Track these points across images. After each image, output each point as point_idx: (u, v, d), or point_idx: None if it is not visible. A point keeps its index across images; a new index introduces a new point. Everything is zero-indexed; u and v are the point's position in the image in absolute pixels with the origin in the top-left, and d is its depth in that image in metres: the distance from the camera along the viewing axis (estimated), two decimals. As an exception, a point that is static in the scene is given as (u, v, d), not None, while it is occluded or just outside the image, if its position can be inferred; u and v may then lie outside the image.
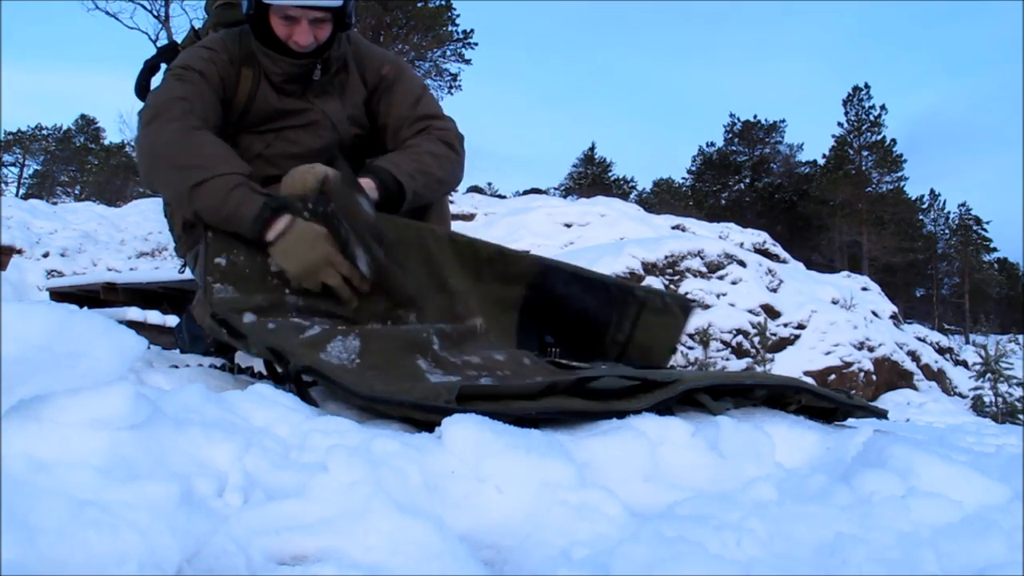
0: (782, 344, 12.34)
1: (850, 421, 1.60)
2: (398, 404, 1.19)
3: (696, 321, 11.87)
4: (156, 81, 2.08)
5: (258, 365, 1.75)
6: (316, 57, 1.84)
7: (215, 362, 1.92)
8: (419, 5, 22.24)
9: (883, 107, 36.79)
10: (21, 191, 37.98)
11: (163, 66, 2.09)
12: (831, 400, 1.47)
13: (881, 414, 1.64)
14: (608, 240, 14.59)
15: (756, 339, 11.47)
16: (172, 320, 3.61)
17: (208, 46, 1.85)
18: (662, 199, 39.40)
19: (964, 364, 16.62)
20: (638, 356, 1.86)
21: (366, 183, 1.69)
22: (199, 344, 2.18)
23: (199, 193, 1.56)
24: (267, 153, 1.87)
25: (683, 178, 45.26)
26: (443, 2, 23.29)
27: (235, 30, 1.90)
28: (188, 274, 2.20)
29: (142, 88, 2.12)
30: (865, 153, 36.95)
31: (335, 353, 1.36)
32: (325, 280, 1.54)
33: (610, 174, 44.73)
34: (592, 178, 43.01)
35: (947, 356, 16.63)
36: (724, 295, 12.53)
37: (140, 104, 1.96)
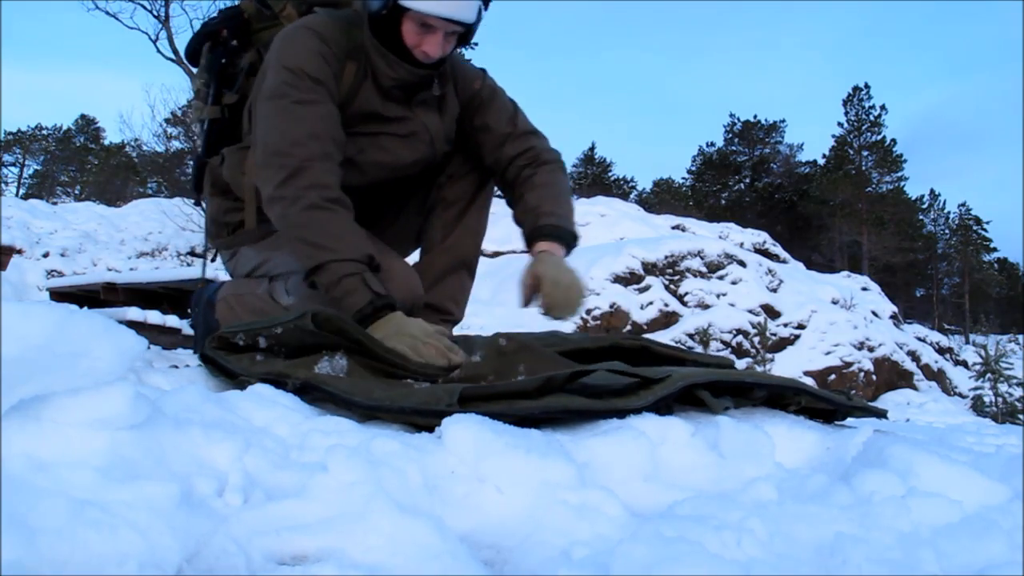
0: (782, 344, 12.35)
1: (850, 421, 1.60)
2: (399, 411, 1.18)
3: (696, 321, 11.88)
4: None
5: None
6: (434, 69, 1.80)
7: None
8: (419, 5, 22.18)
9: (883, 107, 36.87)
10: (21, 191, 38.00)
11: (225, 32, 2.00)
12: (830, 402, 1.46)
13: (880, 414, 1.63)
14: (608, 240, 14.61)
15: (756, 339, 11.48)
16: (172, 320, 3.60)
17: (319, 34, 1.74)
18: (662, 199, 39.42)
19: (964, 364, 16.63)
20: None
21: (555, 247, 1.80)
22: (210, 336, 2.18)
23: (317, 272, 1.61)
24: (358, 159, 1.81)
25: (683, 178, 45.32)
26: (443, 2, 23.22)
27: (342, 16, 1.81)
28: (218, 264, 2.18)
29: (193, 55, 2.06)
30: (865, 153, 36.98)
31: (325, 369, 1.36)
32: (430, 348, 1.50)
33: (610, 174, 44.75)
34: (592, 178, 43.02)
35: (947, 356, 16.64)
36: (724, 295, 12.55)
37: (180, 71, 2.03)
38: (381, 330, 1.53)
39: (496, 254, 13.49)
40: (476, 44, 26.49)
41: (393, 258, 1.85)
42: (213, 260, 2.19)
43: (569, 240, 1.85)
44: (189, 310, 2.19)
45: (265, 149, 1.68)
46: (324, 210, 1.62)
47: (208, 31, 2.04)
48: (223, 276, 2.40)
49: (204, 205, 2.14)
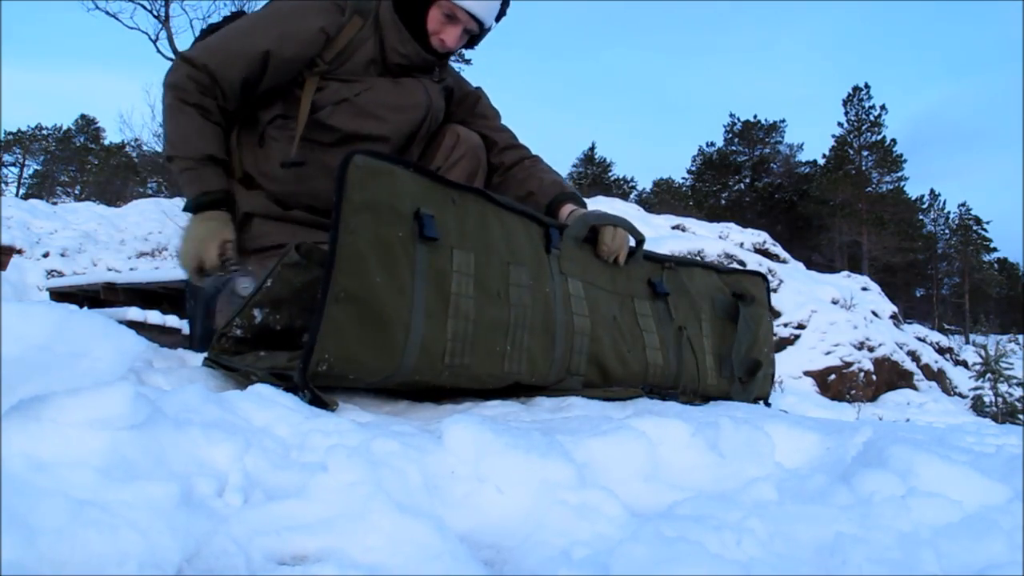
0: (782, 344, 12.34)
1: (850, 421, 1.60)
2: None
3: (696, 321, 11.86)
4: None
5: None
6: (440, 60, 1.92)
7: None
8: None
9: (883, 107, 36.85)
10: (21, 191, 38.00)
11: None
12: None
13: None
14: (608, 240, 14.56)
15: (756, 339, 11.44)
16: (172, 320, 3.60)
17: None
18: (662, 199, 39.41)
19: (964, 364, 16.62)
20: None
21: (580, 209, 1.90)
22: (207, 343, 2.16)
23: (170, 163, 1.79)
24: (357, 101, 1.85)
25: (683, 178, 45.30)
26: (443, 2, 23.25)
27: None
28: (176, 267, 2.18)
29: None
30: (865, 153, 36.97)
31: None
32: (198, 262, 1.71)
33: (610, 174, 44.73)
34: (592, 178, 43.01)
35: (947, 356, 16.63)
36: (724, 295, 12.53)
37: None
38: (193, 226, 1.73)
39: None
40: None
41: None
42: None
43: (579, 202, 1.96)
44: (186, 300, 2.18)
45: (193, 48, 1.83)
46: (178, 109, 1.76)
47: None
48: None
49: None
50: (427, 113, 1.93)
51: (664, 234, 15.14)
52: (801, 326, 12.73)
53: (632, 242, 1.88)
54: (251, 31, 1.80)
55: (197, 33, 2.25)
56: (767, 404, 2.18)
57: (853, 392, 11.79)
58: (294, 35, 1.77)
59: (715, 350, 2.00)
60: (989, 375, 10.75)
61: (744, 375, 2.06)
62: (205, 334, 2.03)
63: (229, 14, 2.13)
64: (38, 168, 40.53)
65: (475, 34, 1.89)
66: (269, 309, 1.38)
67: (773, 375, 2.25)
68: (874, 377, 12.42)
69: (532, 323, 1.51)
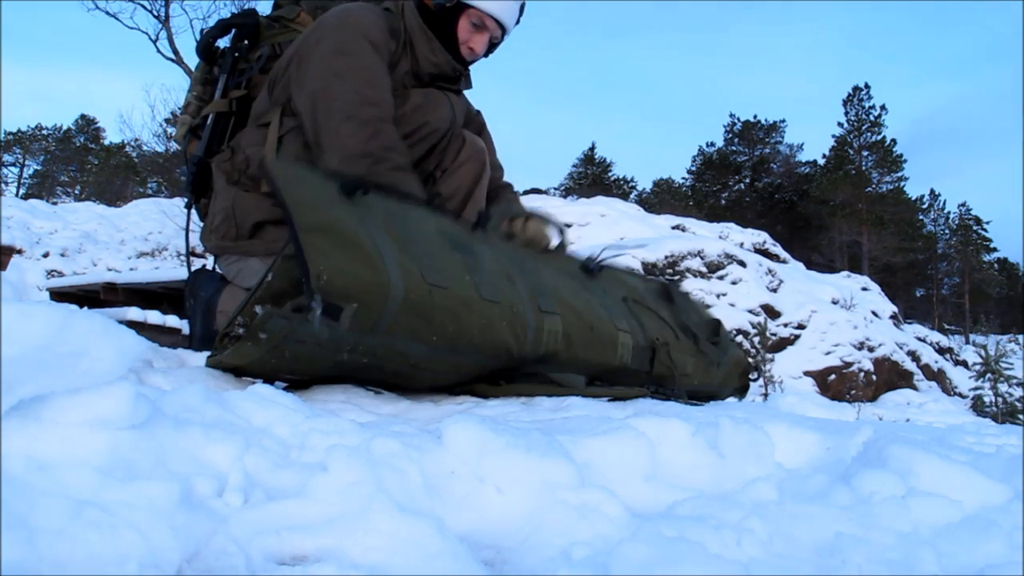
0: (782, 344, 12.35)
1: (850, 421, 1.60)
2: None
3: (696, 321, 11.87)
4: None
5: None
6: (466, 68, 1.99)
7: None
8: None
9: (883, 107, 36.87)
10: (21, 191, 38.01)
11: (233, 30, 2.11)
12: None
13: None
14: (608, 240, 14.59)
15: (756, 339, 11.46)
16: (172, 320, 3.60)
17: (373, 10, 1.88)
18: (662, 199, 39.43)
19: (964, 364, 16.63)
20: None
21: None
22: (208, 343, 2.16)
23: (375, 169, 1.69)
24: (397, 114, 1.90)
25: (683, 178, 45.33)
26: (443, 2, 23.25)
27: (377, 6, 1.95)
28: (174, 267, 2.17)
29: (207, 49, 2.12)
30: (865, 153, 36.98)
31: None
32: None
33: (610, 174, 44.74)
34: (592, 178, 43.02)
35: (947, 356, 16.63)
36: (724, 295, 12.54)
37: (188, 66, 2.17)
38: None
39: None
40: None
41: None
42: (190, 260, 2.18)
43: None
44: (185, 299, 2.16)
45: (344, 102, 1.71)
46: (409, 174, 1.73)
47: (223, 27, 2.10)
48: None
49: (197, 206, 2.15)
50: (451, 126, 1.97)
51: (664, 234, 15.14)
52: (801, 326, 12.73)
53: (555, 239, 1.96)
54: (368, 66, 1.77)
55: (197, 35, 2.26)
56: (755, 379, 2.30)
57: (853, 392, 11.80)
58: (387, 55, 1.84)
59: (670, 321, 2.03)
60: (989, 375, 10.75)
61: (710, 335, 2.13)
62: (205, 334, 2.02)
63: (235, 16, 2.14)
64: (38, 168, 40.54)
65: (496, 42, 1.97)
66: (271, 305, 1.38)
67: (745, 362, 2.28)
68: (874, 377, 12.43)
69: (490, 269, 1.54)
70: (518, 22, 1.98)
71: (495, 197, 2.17)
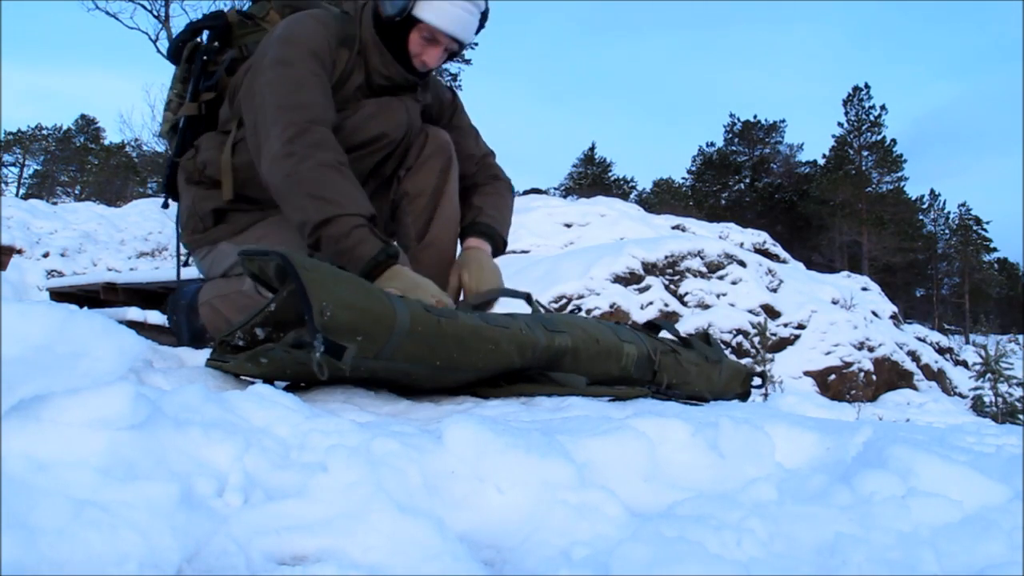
0: (782, 344, 12.35)
1: (850, 421, 1.60)
2: None
3: (696, 321, 11.88)
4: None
5: None
6: (422, 77, 1.96)
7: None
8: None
9: (883, 107, 36.87)
10: (21, 191, 38.00)
11: (206, 33, 2.11)
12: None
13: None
14: (608, 240, 14.59)
15: (756, 339, 11.45)
16: (172, 320, 3.59)
17: (321, 21, 1.86)
18: (662, 199, 39.43)
19: (964, 364, 16.63)
20: None
21: (483, 244, 2.01)
22: (197, 340, 2.17)
23: (326, 225, 1.63)
24: (343, 125, 1.89)
25: (683, 178, 45.34)
26: (443, 2, 23.24)
27: (335, 12, 1.94)
28: (193, 267, 2.18)
29: (176, 53, 2.13)
30: (865, 153, 36.97)
31: None
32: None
33: (610, 174, 44.73)
34: (592, 178, 43.02)
35: (947, 356, 16.63)
36: (724, 295, 12.53)
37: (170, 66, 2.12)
38: (393, 282, 1.59)
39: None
40: (476, 44, 26.46)
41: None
42: (187, 264, 2.20)
43: (498, 242, 2.05)
44: (167, 315, 2.18)
45: (273, 108, 1.74)
46: (335, 169, 1.68)
47: (192, 30, 2.09)
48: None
49: (175, 205, 2.16)
50: (406, 134, 1.98)
51: (664, 234, 15.14)
52: (801, 326, 12.73)
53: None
54: (316, 74, 1.79)
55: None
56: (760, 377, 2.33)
57: (853, 392, 11.80)
58: (329, 66, 1.84)
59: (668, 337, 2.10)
60: (989, 375, 10.74)
61: (700, 338, 2.20)
62: (192, 332, 2.04)
63: (207, 16, 2.14)
64: (38, 168, 40.52)
65: (454, 51, 1.93)
66: (272, 329, 1.40)
67: (747, 372, 2.31)
68: (874, 377, 12.42)
69: (489, 316, 1.57)
70: (481, 28, 1.93)
71: (474, 191, 2.12)
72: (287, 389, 1.40)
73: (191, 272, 2.34)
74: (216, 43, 2.08)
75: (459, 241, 2.07)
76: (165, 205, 2.24)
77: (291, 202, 1.70)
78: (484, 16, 1.91)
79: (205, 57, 2.06)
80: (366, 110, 1.90)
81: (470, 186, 2.13)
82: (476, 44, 24.41)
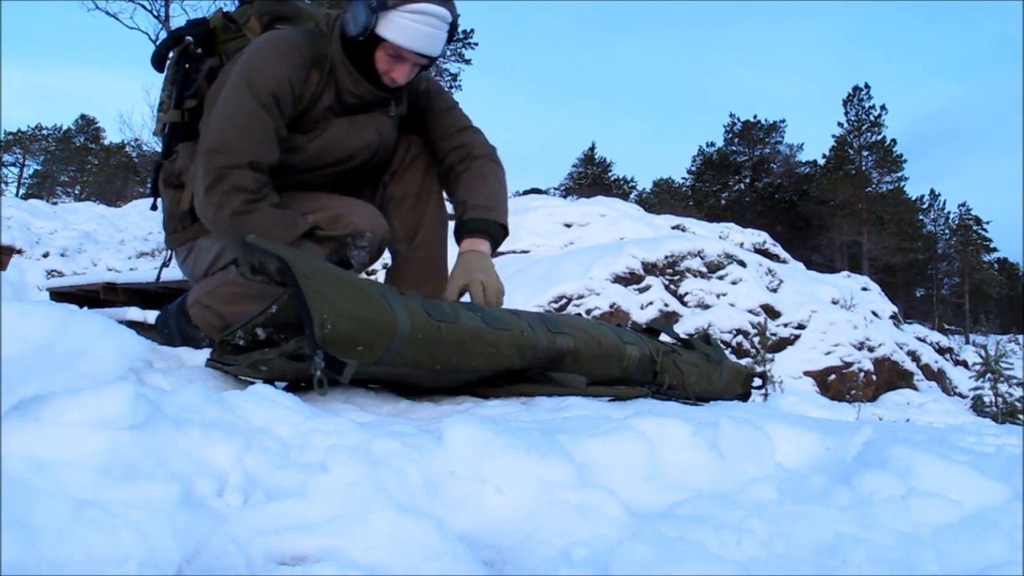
0: (782, 344, 12.34)
1: (850, 421, 1.60)
2: None
3: (696, 321, 11.89)
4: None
5: None
6: (394, 93, 1.95)
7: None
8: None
9: (883, 107, 36.83)
10: (21, 191, 37.99)
11: (188, 37, 2.10)
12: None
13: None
14: (608, 240, 14.58)
15: (756, 339, 11.44)
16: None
17: (289, 44, 1.85)
18: (662, 199, 39.40)
19: (964, 364, 16.62)
20: None
21: (483, 243, 1.91)
22: (191, 344, 2.17)
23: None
24: (309, 147, 1.91)
25: (683, 178, 45.30)
26: (443, 2, 23.28)
27: (307, 30, 1.92)
28: (175, 267, 2.19)
29: (159, 60, 2.12)
30: (865, 153, 36.96)
31: None
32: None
33: (610, 174, 44.71)
34: (592, 178, 43.00)
35: (947, 356, 16.62)
36: (724, 295, 12.53)
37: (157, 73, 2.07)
38: None
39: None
40: (476, 44, 26.40)
41: (351, 199, 1.96)
42: (168, 264, 2.21)
43: (496, 232, 1.96)
44: (158, 332, 2.16)
45: (203, 151, 1.78)
46: (246, 214, 1.73)
47: (174, 38, 2.10)
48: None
49: (160, 207, 2.17)
50: (376, 152, 1.99)
51: (664, 234, 15.14)
52: (801, 326, 12.72)
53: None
54: (253, 113, 1.78)
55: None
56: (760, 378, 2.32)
57: (853, 392, 11.79)
58: (287, 101, 1.82)
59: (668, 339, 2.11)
60: (989, 375, 10.73)
61: (700, 339, 2.21)
62: (184, 335, 2.04)
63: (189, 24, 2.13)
64: (38, 168, 40.51)
65: (424, 65, 1.91)
66: (273, 329, 1.41)
67: (748, 373, 2.30)
68: (874, 377, 12.42)
69: (491, 311, 1.58)
70: (452, 39, 1.90)
71: (455, 182, 2.05)
72: (287, 389, 1.40)
73: (175, 274, 2.36)
74: (199, 50, 2.07)
75: (456, 239, 2.02)
76: (154, 207, 2.26)
77: (220, 239, 1.87)
78: (453, 27, 1.87)
79: (188, 65, 2.06)
80: (334, 130, 1.91)
81: (446, 174, 2.08)
82: (472, 51, 24.34)
